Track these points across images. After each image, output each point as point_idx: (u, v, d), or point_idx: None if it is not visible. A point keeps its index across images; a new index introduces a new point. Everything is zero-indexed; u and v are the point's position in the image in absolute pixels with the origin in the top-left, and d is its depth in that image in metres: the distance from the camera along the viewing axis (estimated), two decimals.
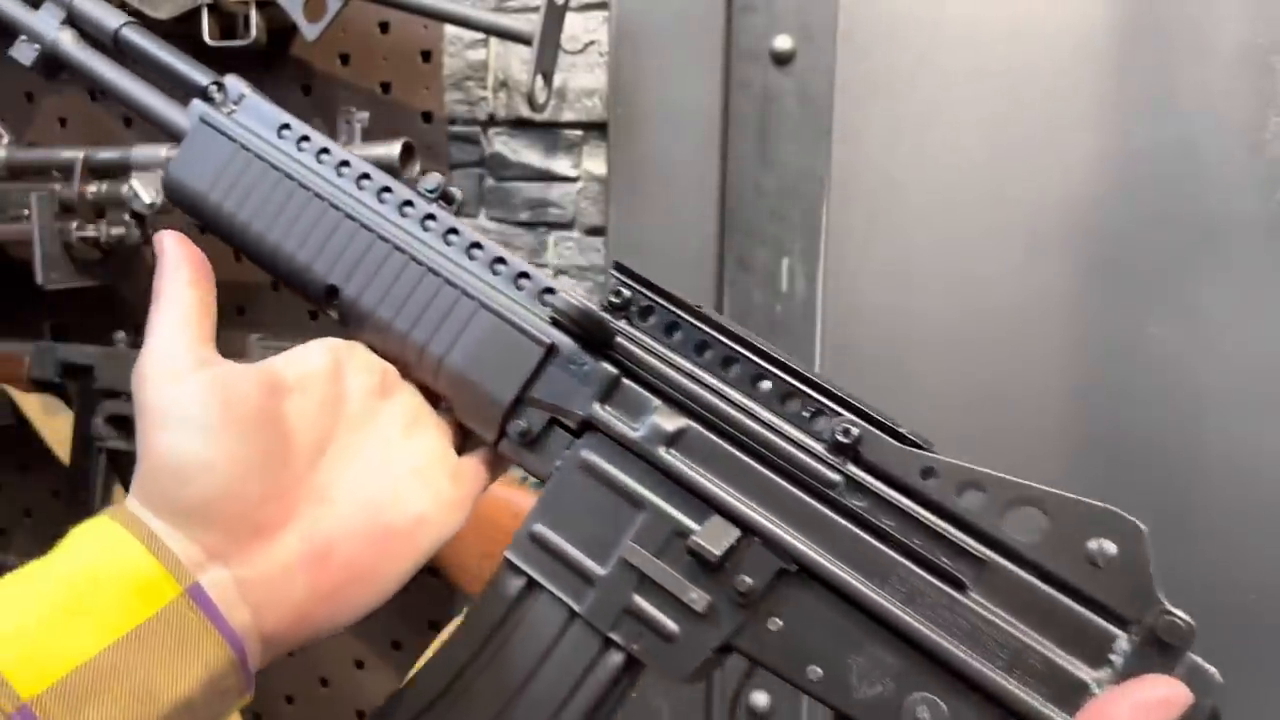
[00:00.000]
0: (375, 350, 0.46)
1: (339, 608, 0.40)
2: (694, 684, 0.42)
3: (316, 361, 0.43)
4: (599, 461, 0.41)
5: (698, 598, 0.39)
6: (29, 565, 0.35)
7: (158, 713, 0.34)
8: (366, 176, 0.47)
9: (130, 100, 0.51)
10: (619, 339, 0.42)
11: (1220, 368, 0.70)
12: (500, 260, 0.45)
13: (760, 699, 0.79)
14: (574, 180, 0.82)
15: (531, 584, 0.41)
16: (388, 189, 0.46)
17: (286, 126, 0.48)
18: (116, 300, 0.97)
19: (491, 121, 0.83)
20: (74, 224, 0.86)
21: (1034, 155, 0.72)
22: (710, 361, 0.41)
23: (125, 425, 0.91)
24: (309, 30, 0.78)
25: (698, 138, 0.78)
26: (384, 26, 0.85)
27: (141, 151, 0.84)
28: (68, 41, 0.52)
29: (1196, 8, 0.68)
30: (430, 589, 0.90)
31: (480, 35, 0.81)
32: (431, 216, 0.46)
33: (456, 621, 0.43)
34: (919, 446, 0.39)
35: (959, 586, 0.36)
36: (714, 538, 0.39)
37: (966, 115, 0.73)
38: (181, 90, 0.50)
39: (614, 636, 0.40)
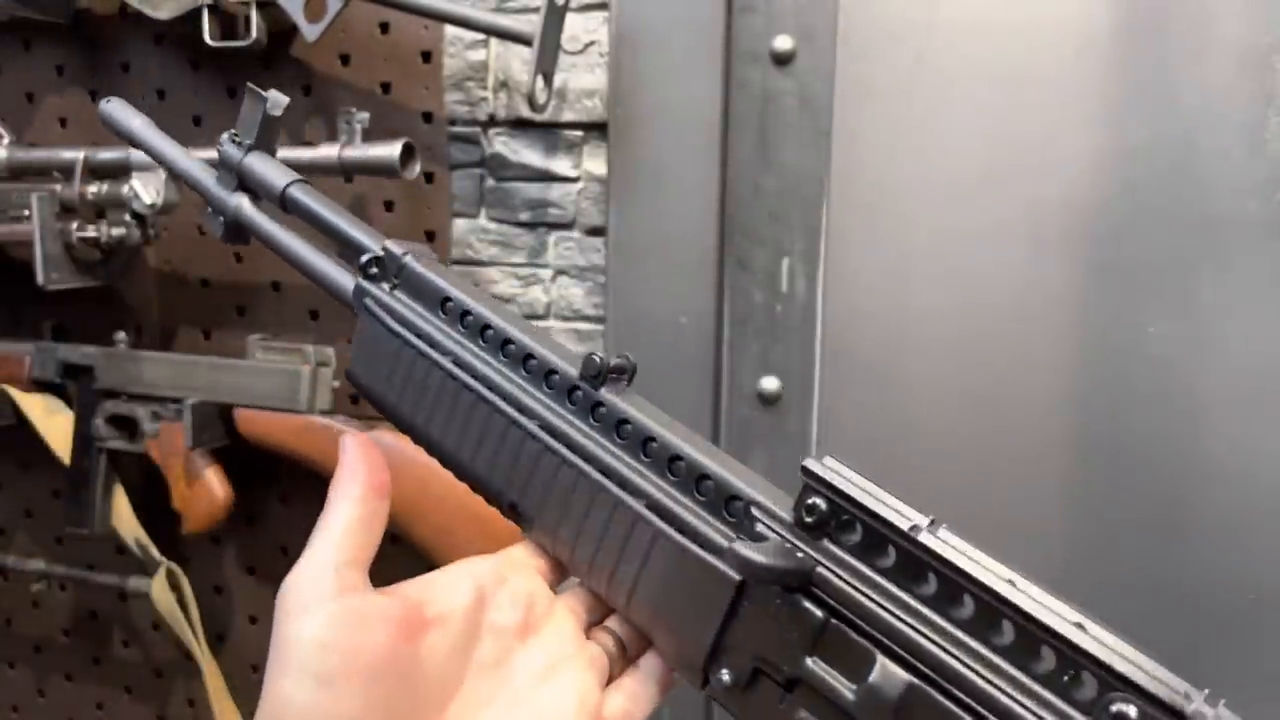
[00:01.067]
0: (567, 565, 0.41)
1: None
2: None
3: (462, 596, 0.38)
4: None
5: None
6: None
7: None
8: (531, 357, 0.42)
9: (299, 262, 0.48)
10: (820, 570, 0.35)
11: (1220, 367, 0.70)
12: (678, 458, 0.38)
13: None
14: (574, 180, 0.82)
15: None
16: (553, 371, 0.41)
17: (448, 300, 0.44)
18: (116, 300, 0.97)
19: (492, 122, 0.83)
20: (74, 224, 0.86)
21: (1034, 155, 0.72)
22: (933, 595, 0.33)
23: (125, 425, 0.91)
24: (309, 31, 0.78)
25: (697, 138, 0.78)
26: (384, 27, 0.85)
27: (141, 153, 0.84)
28: (248, 208, 0.50)
29: (1196, 7, 0.68)
30: None
31: (480, 36, 0.81)
32: (600, 404, 0.40)
33: None
34: None
35: None
36: None
37: (966, 115, 0.73)
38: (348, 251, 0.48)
39: None
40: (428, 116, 0.85)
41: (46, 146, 0.92)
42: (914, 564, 0.33)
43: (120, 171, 0.85)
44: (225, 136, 0.50)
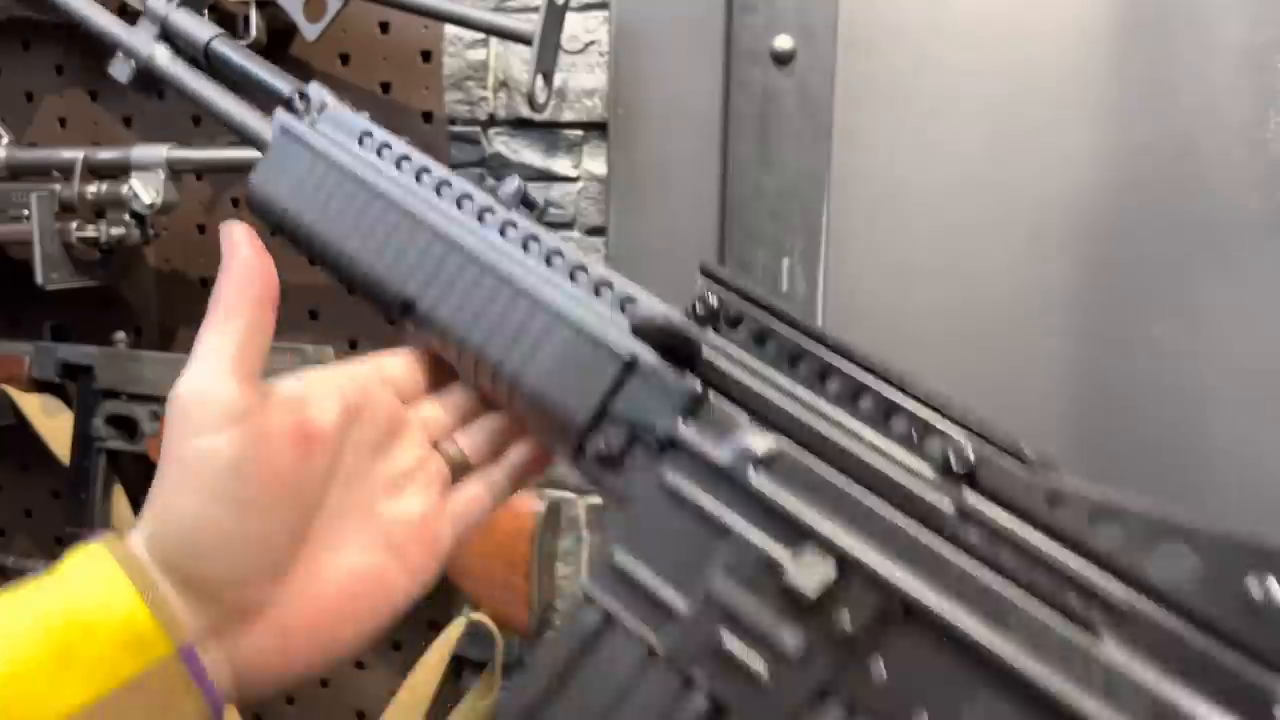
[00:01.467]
0: (453, 360, 0.44)
1: (313, 670, 0.39)
2: None
3: (332, 413, 0.40)
4: (683, 484, 0.38)
5: (790, 639, 0.34)
6: (21, 588, 0.34)
7: None
8: (447, 184, 0.46)
9: (218, 113, 0.51)
10: (705, 351, 0.39)
11: (1220, 367, 0.70)
12: (581, 268, 0.43)
13: None
14: (574, 180, 0.82)
15: (609, 618, 0.38)
16: (468, 196, 0.45)
17: (368, 134, 0.48)
18: (116, 300, 0.97)
19: (491, 121, 0.83)
20: (74, 224, 0.86)
21: (1035, 155, 0.72)
22: (805, 375, 0.38)
23: (125, 425, 0.91)
24: (309, 30, 0.78)
25: (698, 138, 0.78)
26: (384, 26, 0.85)
27: (142, 151, 0.84)
28: (163, 57, 0.53)
29: (1196, 7, 0.68)
30: (431, 590, 0.90)
31: (480, 35, 0.81)
32: (512, 224, 0.44)
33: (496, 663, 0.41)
34: (1044, 468, 0.34)
35: (1092, 633, 0.31)
36: (809, 574, 0.34)
37: (967, 115, 0.73)
38: (268, 101, 0.51)
39: (696, 678, 0.36)
40: (428, 116, 0.85)
41: (46, 146, 0.92)
42: (791, 350, 0.38)
43: (120, 171, 0.85)
44: None
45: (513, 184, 0.45)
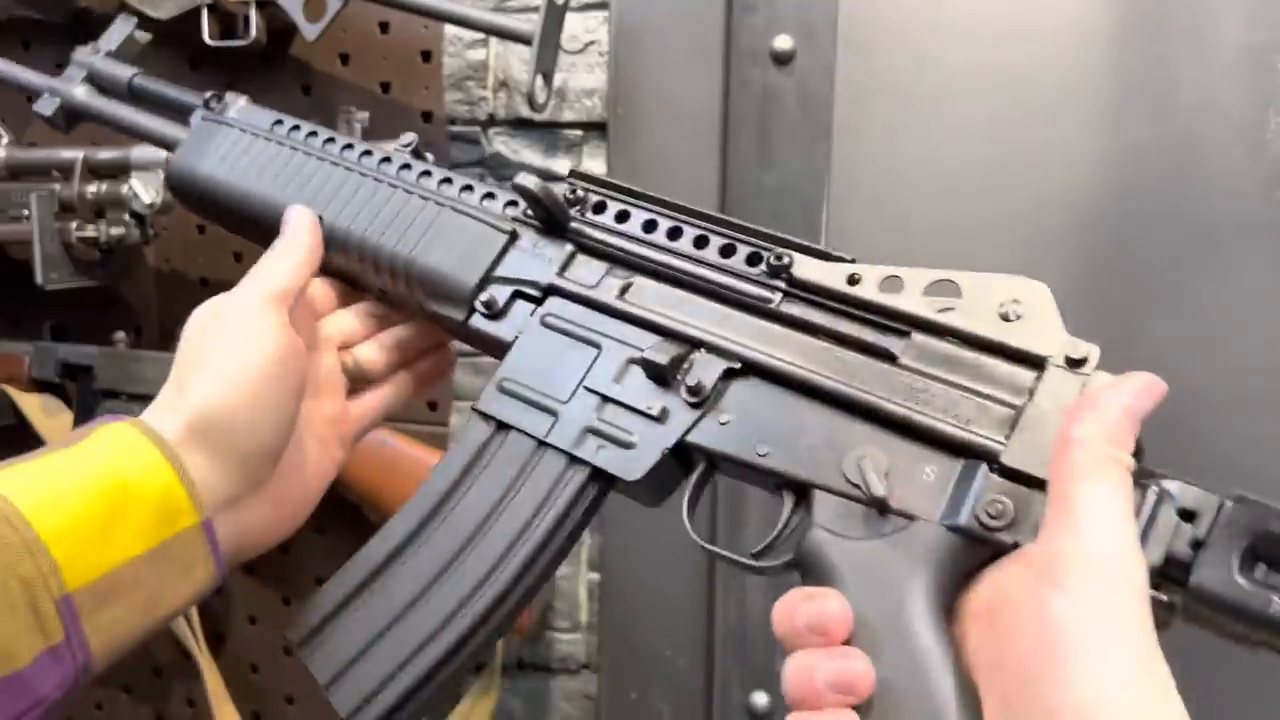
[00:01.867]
0: (345, 271, 0.52)
1: (269, 542, 0.46)
2: (654, 500, 0.46)
3: (308, 329, 0.50)
4: (560, 317, 0.47)
5: (653, 403, 0.43)
6: (49, 455, 0.41)
7: (156, 618, 0.39)
8: (349, 146, 0.54)
9: (135, 126, 0.63)
10: (574, 224, 0.49)
11: (1220, 367, 0.70)
12: (469, 186, 0.52)
13: (760, 699, 0.79)
14: None
15: (501, 426, 0.46)
16: (368, 152, 0.54)
17: (279, 122, 0.56)
18: (116, 300, 0.97)
19: (491, 121, 0.83)
20: (74, 224, 0.86)
21: (1034, 155, 0.72)
22: (659, 235, 0.47)
23: None
24: (309, 30, 0.78)
25: (698, 138, 0.78)
26: (384, 26, 0.85)
27: (141, 151, 0.84)
28: (83, 94, 0.66)
29: (1197, 7, 0.68)
30: None
31: (480, 35, 0.81)
32: (407, 165, 0.53)
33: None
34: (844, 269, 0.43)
35: (890, 359, 0.41)
36: (663, 349, 0.44)
37: (967, 114, 0.73)
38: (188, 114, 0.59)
39: (578, 453, 0.44)
40: (428, 116, 0.85)
41: (46, 146, 0.92)
42: (645, 219, 0.47)
43: (119, 171, 0.85)
44: (84, 49, 0.69)
45: (408, 136, 0.53)
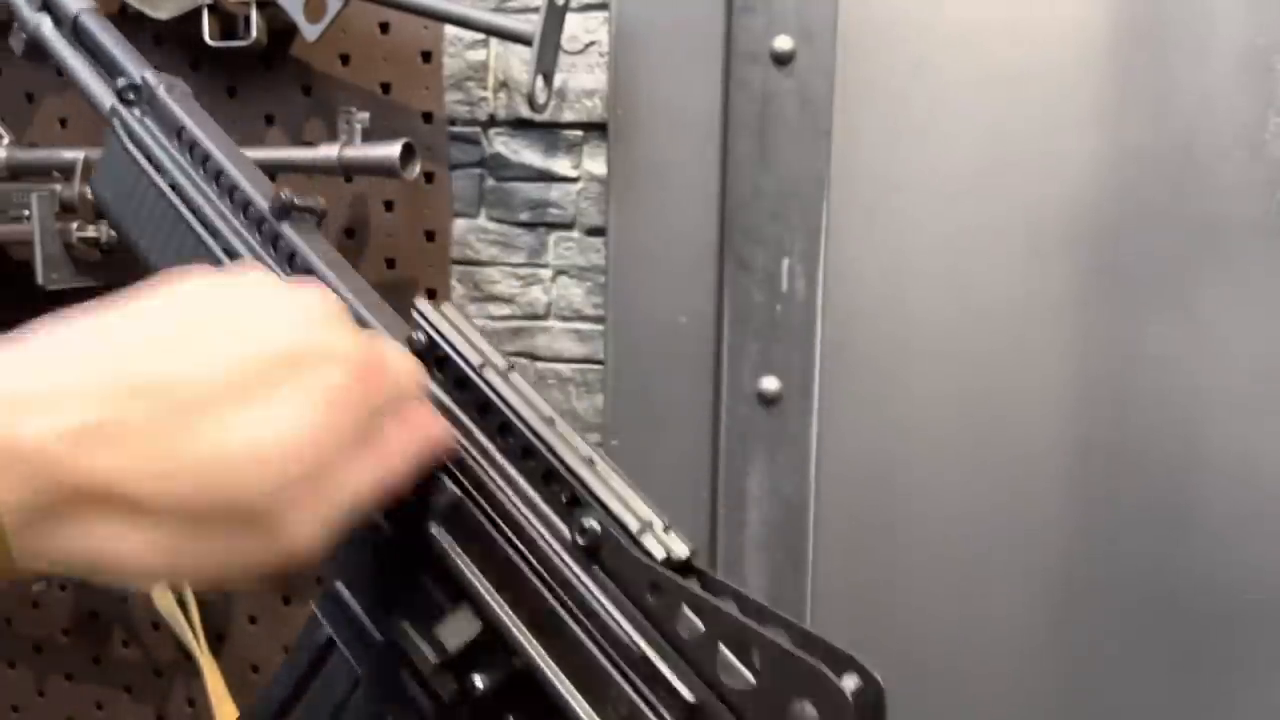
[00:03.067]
0: None
1: None
2: None
3: None
4: (378, 529, 0.40)
5: (447, 689, 0.37)
6: None
7: None
8: (236, 189, 0.46)
9: (78, 83, 0.54)
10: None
11: (1220, 368, 0.70)
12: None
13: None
14: (574, 180, 0.82)
15: (330, 640, 0.42)
16: (249, 204, 0.46)
17: (182, 129, 0.48)
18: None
19: (492, 122, 0.83)
20: (74, 224, 0.86)
21: (1034, 155, 0.72)
22: (489, 425, 0.39)
23: None
24: (309, 31, 0.78)
25: (698, 138, 0.78)
26: (384, 27, 0.85)
27: None
28: (48, 28, 0.55)
29: (1197, 8, 0.68)
30: None
31: (480, 35, 0.81)
32: (280, 237, 0.45)
33: None
34: (658, 556, 0.35)
35: None
36: (456, 632, 0.37)
37: (967, 115, 0.73)
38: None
39: (387, 714, 0.40)
40: (428, 116, 0.85)
41: (46, 146, 0.92)
42: (482, 399, 0.39)
43: None
44: None
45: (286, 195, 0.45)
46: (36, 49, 0.55)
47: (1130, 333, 0.71)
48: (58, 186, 0.86)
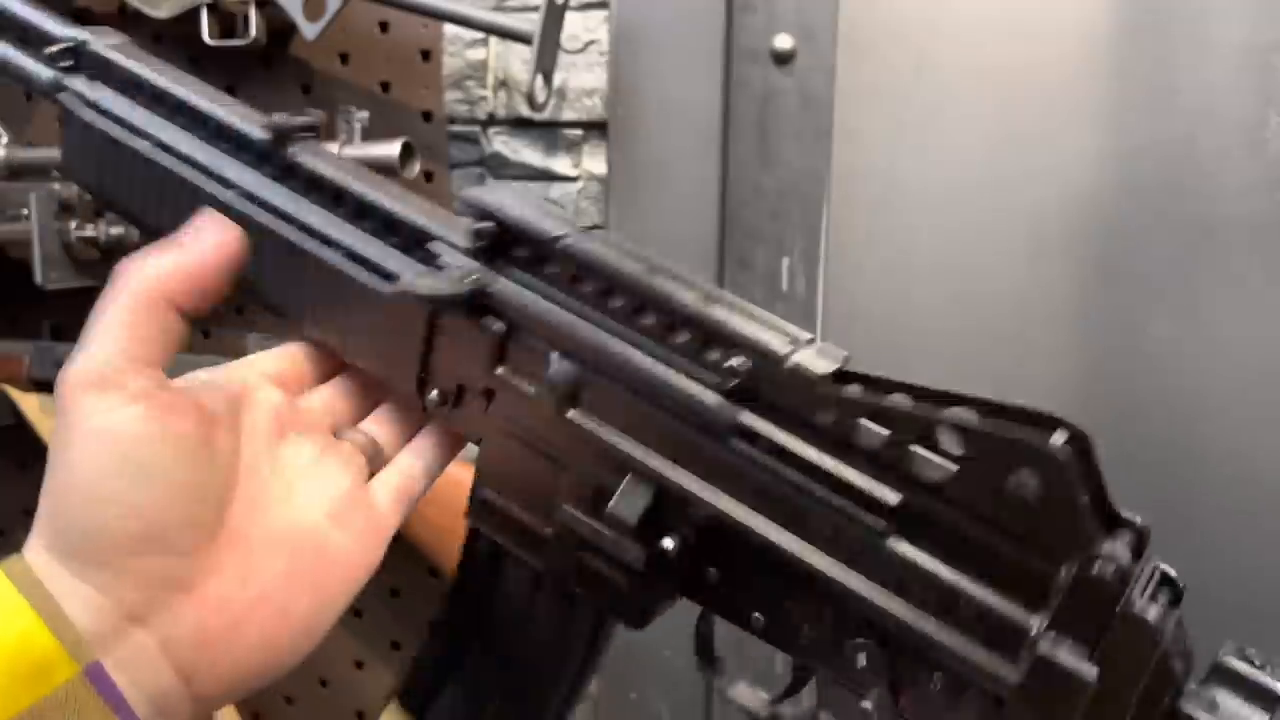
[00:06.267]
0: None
1: (276, 656, 0.36)
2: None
3: (221, 399, 0.37)
4: (515, 424, 0.38)
5: (635, 558, 0.36)
6: None
7: None
8: (223, 128, 0.42)
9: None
10: (491, 291, 0.38)
11: (1220, 367, 0.70)
12: (367, 208, 0.41)
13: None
14: (574, 180, 0.82)
15: (497, 547, 0.40)
16: (245, 138, 0.42)
17: (140, 84, 0.44)
18: None
19: (491, 121, 0.83)
20: (73, 224, 0.86)
21: (1034, 155, 0.72)
22: (589, 294, 0.37)
23: None
24: (309, 30, 0.78)
25: (698, 138, 0.78)
26: (384, 26, 0.85)
27: None
28: None
29: (1196, 7, 0.68)
30: (428, 589, 0.90)
31: (480, 35, 0.81)
32: (292, 166, 0.41)
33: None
34: (816, 372, 0.34)
35: (880, 532, 0.32)
36: (629, 504, 0.36)
37: (967, 115, 0.73)
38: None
39: (578, 593, 0.38)
40: (427, 115, 0.85)
41: (46, 146, 0.92)
42: (572, 268, 0.37)
43: None
44: None
45: (311, 116, 0.42)
46: None
47: (1130, 331, 0.71)
48: (57, 186, 0.86)
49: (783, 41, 0.74)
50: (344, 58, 0.87)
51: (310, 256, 0.40)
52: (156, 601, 0.33)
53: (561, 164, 0.82)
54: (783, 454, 0.34)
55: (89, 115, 0.44)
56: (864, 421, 0.32)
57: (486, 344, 0.38)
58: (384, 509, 0.40)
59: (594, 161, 0.81)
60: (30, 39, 0.45)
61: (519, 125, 0.82)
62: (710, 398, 0.35)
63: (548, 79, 0.76)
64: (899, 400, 0.32)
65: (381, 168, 0.79)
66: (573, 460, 0.37)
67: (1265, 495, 0.69)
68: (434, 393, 0.40)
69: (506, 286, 0.38)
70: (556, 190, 0.82)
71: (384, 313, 0.40)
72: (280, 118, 0.41)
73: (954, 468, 0.31)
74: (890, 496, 0.32)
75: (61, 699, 0.30)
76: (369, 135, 0.80)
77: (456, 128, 0.84)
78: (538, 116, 0.80)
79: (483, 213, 0.38)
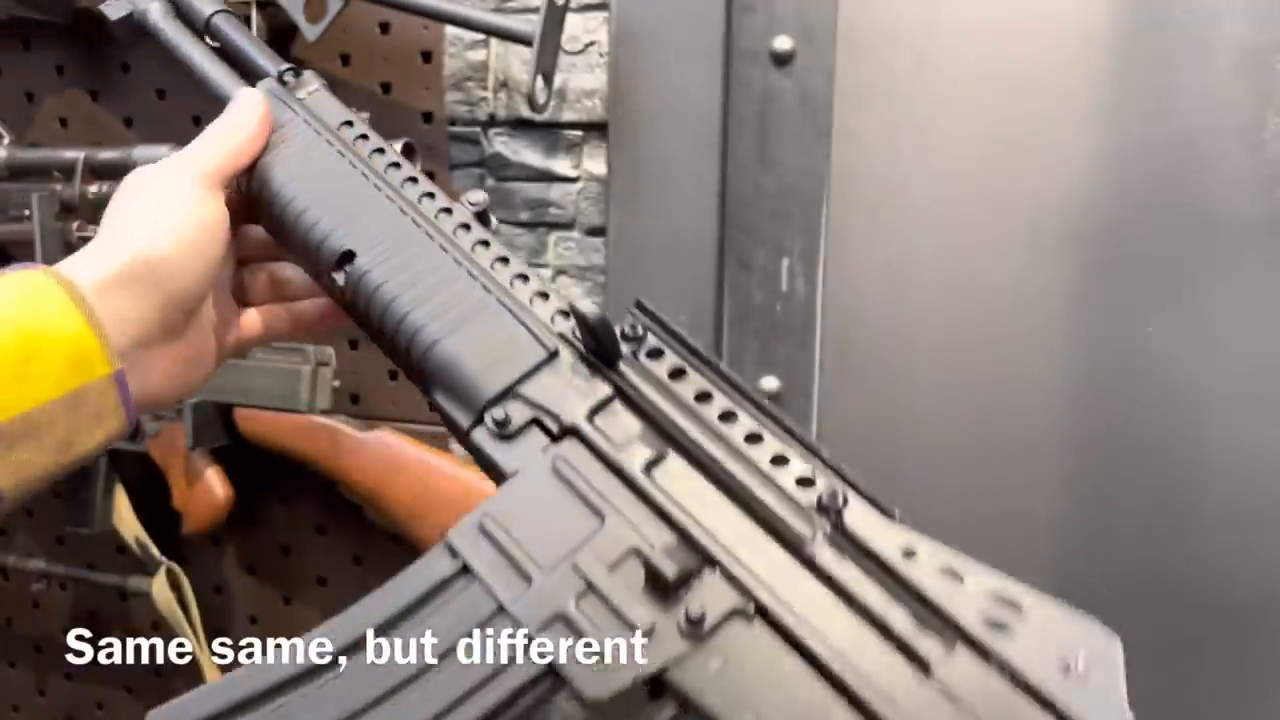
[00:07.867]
0: (362, 324, 0.48)
1: (176, 400, 0.49)
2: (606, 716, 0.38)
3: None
4: (572, 468, 0.40)
5: (641, 616, 0.36)
6: None
7: (66, 462, 0.41)
8: (413, 180, 0.49)
9: (199, 71, 0.55)
10: (622, 364, 0.42)
11: (1220, 368, 0.70)
12: (523, 276, 0.46)
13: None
14: (574, 180, 0.82)
15: (465, 569, 0.39)
16: (430, 194, 0.49)
17: (349, 123, 0.52)
18: None
19: (492, 122, 0.83)
20: (74, 224, 0.86)
21: (1034, 155, 0.72)
22: (710, 412, 0.41)
23: None
24: (309, 31, 0.78)
25: (698, 138, 0.78)
26: (384, 27, 0.85)
27: (142, 152, 0.84)
28: (156, 11, 0.56)
29: (1196, 7, 0.68)
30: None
31: (480, 36, 0.81)
32: (465, 225, 0.48)
33: None
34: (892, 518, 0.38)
35: (924, 668, 0.34)
36: (672, 557, 0.37)
37: (966, 115, 0.73)
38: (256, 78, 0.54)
39: (540, 639, 0.37)
40: (428, 116, 0.85)
41: (46, 146, 0.92)
42: (701, 389, 0.42)
43: (120, 171, 0.85)
44: None
45: (478, 195, 0.48)
46: (137, 25, 0.57)
47: (1130, 331, 0.71)
48: (58, 187, 0.86)
49: (782, 42, 0.74)
50: (345, 59, 0.87)
51: (458, 261, 0.47)
52: (157, 341, 0.44)
53: (562, 165, 0.82)
54: (854, 560, 0.37)
55: (297, 108, 0.53)
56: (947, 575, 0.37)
57: (593, 395, 0.42)
58: (234, 335, 0.53)
59: (594, 162, 0.81)
60: (242, 66, 0.56)
61: (519, 126, 0.82)
62: (797, 508, 0.39)
63: (548, 80, 0.76)
64: (972, 564, 0.37)
65: None
66: (618, 514, 0.39)
67: (1265, 493, 0.69)
68: (500, 411, 0.42)
69: (638, 363, 0.43)
70: (557, 191, 0.82)
71: (507, 331, 0.45)
72: (476, 194, 0.49)
73: (1015, 629, 0.35)
74: (946, 641, 0.35)
75: (97, 388, 0.41)
76: None
77: (457, 129, 0.84)
78: (538, 117, 0.80)
79: (650, 316, 0.44)
